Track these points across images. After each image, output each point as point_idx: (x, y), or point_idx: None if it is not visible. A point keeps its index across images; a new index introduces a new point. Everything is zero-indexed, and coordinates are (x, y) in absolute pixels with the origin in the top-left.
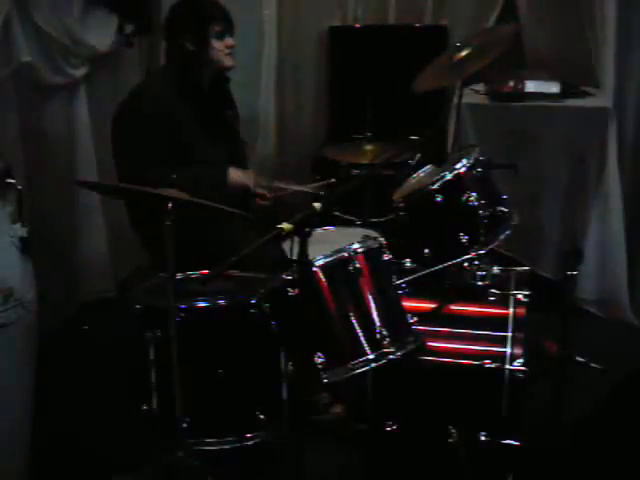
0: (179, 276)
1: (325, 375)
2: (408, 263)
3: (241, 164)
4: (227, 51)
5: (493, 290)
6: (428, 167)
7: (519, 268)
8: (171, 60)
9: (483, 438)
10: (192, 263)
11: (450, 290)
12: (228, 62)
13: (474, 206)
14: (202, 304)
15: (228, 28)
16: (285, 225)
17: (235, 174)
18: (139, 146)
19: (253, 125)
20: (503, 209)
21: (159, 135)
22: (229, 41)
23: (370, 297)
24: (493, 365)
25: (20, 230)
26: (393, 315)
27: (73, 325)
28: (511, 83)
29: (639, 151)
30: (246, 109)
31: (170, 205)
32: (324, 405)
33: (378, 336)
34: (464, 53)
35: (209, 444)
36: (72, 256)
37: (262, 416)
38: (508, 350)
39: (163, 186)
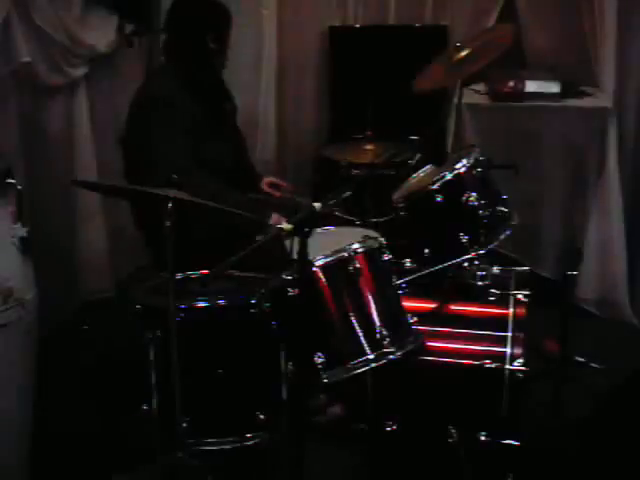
0: (179, 276)
1: (325, 375)
2: (408, 263)
3: (242, 158)
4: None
5: (493, 290)
6: (428, 167)
7: (519, 268)
8: (183, 57)
9: (483, 438)
10: (194, 263)
11: (450, 290)
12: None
13: (474, 206)
14: (202, 304)
15: None
16: (285, 225)
17: (275, 220)
18: (169, 141)
19: (253, 125)
20: (503, 209)
21: (182, 132)
22: None
23: (370, 297)
24: (493, 365)
25: (20, 230)
26: (393, 315)
27: (73, 325)
28: (511, 83)
29: (639, 151)
30: (246, 109)
31: (170, 205)
32: (323, 405)
33: (378, 336)
34: (464, 53)
35: (209, 444)
36: (72, 256)
37: (262, 416)
38: (508, 350)
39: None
